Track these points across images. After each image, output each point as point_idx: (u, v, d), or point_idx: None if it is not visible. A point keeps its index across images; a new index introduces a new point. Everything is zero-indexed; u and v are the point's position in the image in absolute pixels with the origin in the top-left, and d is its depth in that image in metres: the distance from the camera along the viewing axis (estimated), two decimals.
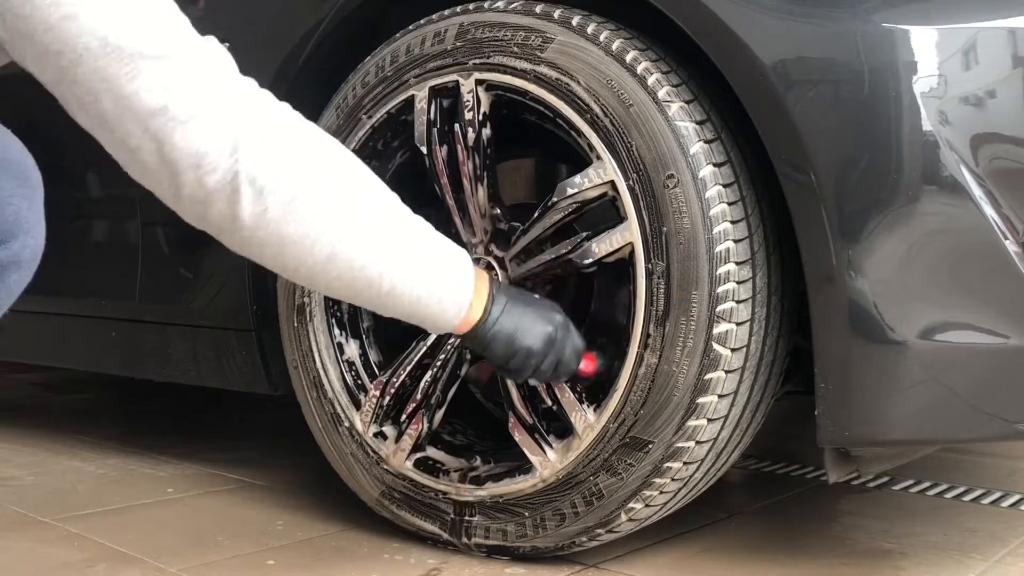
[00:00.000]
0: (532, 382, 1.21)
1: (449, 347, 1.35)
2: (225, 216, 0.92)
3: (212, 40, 0.94)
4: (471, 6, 1.32)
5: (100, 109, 0.87)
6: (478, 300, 1.10)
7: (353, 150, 1.39)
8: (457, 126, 1.30)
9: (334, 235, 0.97)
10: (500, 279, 1.29)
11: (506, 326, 1.11)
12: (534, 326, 1.14)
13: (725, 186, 1.14)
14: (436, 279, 1.05)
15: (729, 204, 1.13)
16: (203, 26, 1.38)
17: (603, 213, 1.22)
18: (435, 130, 1.32)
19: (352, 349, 1.44)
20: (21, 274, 0.89)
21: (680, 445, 1.14)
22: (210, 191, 0.90)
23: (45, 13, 0.82)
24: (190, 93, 0.88)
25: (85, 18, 0.83)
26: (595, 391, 1.24)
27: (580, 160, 1.23)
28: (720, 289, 1.12)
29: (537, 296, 1.20)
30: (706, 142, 1.14)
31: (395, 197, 1.06)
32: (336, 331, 1.42)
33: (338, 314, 1.43)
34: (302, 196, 0.94)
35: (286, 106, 0.99)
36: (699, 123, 1.15)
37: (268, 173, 0.92)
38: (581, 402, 1.21)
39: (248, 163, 0.90)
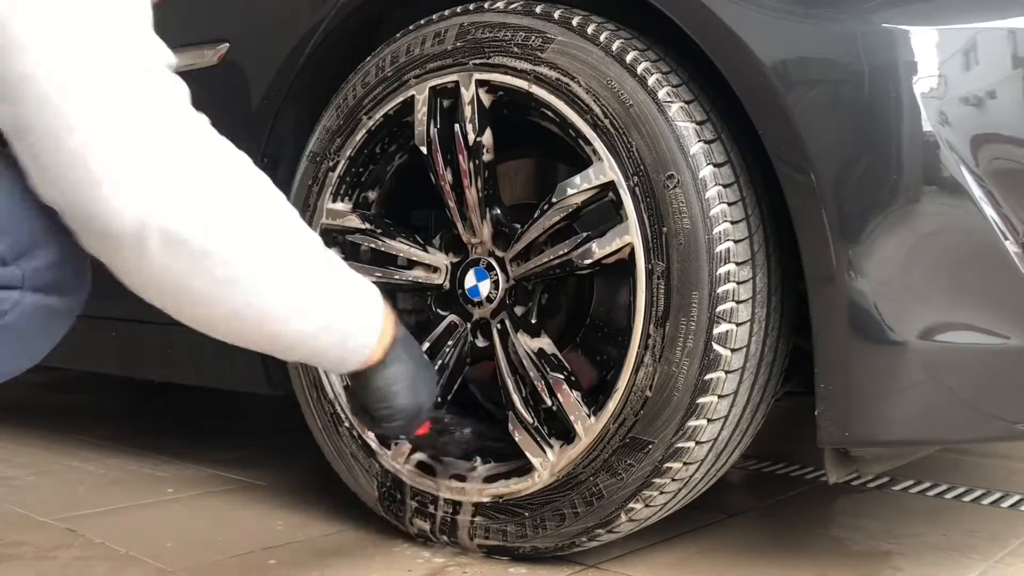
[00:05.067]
0: (375, 430, 1.17)
1: (448, 349, 1.35)
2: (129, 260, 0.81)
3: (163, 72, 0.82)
4: (471, 6, 1.32)
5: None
6: (380, 347, 1.00)
7: (352, 152, 1.39)
8: (457, 126, 1.30)
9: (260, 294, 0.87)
10: (500, 280, 1.30)
11: (396, 376, 1.03)
12: (417, 387, 1.06)
13: (725, 186, 1.13)
14: (349, 324, 0.97)
15: (729, 204, 1.13)
16: (204, 27, 1.39)
17: (603, 214, 1.22)
18: (435, 131, 1.32)
19: None
20: (64, 323, 0.88)
21: (680, 445, 1.14)
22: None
23: None
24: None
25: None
26: (595, 392, 1.24)
27: (580, 160, 1.23)
28: (720, 289, 1.11)
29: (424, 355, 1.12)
30: (706, 142, 1.14)
31: (313, 237, 0.95)
32: None
33: None
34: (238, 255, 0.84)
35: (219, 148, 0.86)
36: (699, 123, 1.15)
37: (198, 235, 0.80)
38: (581, 403, 1.21)
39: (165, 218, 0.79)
